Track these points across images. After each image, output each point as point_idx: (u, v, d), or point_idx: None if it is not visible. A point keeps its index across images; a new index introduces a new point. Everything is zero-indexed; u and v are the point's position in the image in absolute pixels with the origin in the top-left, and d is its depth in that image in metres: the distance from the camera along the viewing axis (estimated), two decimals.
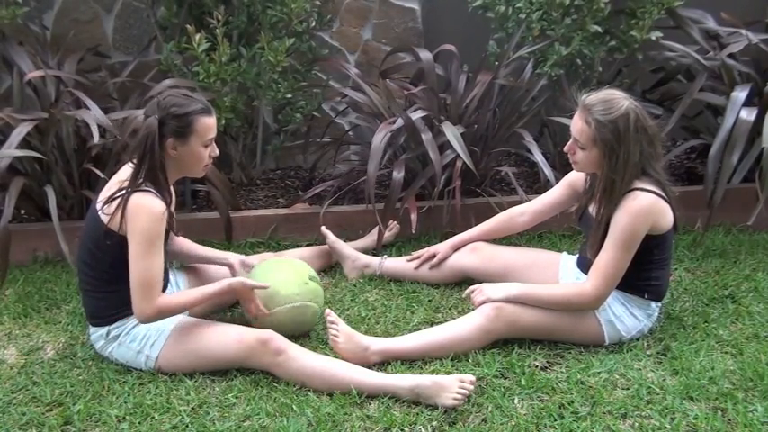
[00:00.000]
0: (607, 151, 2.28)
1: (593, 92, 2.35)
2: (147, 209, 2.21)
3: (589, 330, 2.42)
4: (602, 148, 2.29)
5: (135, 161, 2.26)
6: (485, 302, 2.40)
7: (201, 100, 2.32)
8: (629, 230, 2.29)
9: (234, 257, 2.64)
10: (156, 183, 2.27)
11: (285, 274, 2.54)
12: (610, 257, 2.32)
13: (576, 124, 2.34)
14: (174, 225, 2.38)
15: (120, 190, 2.25)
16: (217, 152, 2.39)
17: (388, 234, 3.21)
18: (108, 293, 2.33)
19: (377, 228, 3.14)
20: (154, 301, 2.23)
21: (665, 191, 2.34)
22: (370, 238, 3.18)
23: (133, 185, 2.23)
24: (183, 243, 2.65)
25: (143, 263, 2.21)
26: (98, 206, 2.29)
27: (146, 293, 2.22)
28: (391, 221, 3.23)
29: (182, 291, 2.43)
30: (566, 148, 2.42)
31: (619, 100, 2.29)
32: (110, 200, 2.25)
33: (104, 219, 2.25)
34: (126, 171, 2.33)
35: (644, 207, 2.29)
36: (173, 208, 2.44)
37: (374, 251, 3.12)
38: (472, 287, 2.49)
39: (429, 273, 2.89)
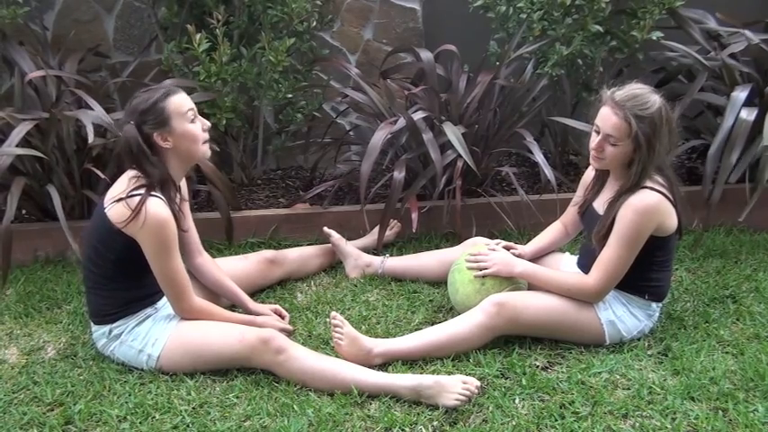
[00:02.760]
0: (645, 144, 2.26)
1: (616, 87, 2.34)
2: (161, 218, 2.22)
3: (590, 330, 2.42)
4: (637, 142, 2.27)
5: (136, 169, 2.28)
6: (487, 274, 2.47)
7: (162, 86, 2.34)
8: (634, 228, 2.29)
9: (259, 319, 2.54)
10: (163, 184, 2.28)
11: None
12: (613, 253, 2.32)
13: (610, 120, 2.30)
14: (181, 221, 2.39)
15: (132, 191, 2.25)
16: (208, 123, 2.37)
17: (388, 233, 3.22)
18: (111, 291, 2.34)
19: (378, 227, 3.15)
20: (189, 299, 2.34)
21: (672, 191, 2.34)
22: (371, 237, 3.19)
23: (146, 191, 2.24)
24: (211, 268, 2.63)
25: (166, 268, 2.28)
26: (106, 204, 2.30)
27: (178, 294, 2.32)
28: (392, 220, 3.23)
29: (216, 307, 2.46)
30: (593, 146, 2.36)
31: (650, 94, 2.30)
32: (119, 200, 2.25)
33: (112, 217, 2.25)
34: (128, 171, 2.33)
35: (650, 205, 2.29)
36: (185, 197, 2.46)
37: (375, 251, 3.13)
38: (481, 252, 2.54)
39: (431, 272, 2.89)
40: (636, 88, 2.32)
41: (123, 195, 2.24)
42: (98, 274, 2.34)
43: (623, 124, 2.27)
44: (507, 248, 2.64)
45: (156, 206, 2.23)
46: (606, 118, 2.32)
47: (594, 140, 2.36)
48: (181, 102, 2.29)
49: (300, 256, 3.01)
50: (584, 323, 2.41)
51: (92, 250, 2.34)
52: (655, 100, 2.29)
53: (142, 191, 2.24)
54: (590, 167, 2.57)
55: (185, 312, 2.35)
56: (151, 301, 2.40)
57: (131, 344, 2.35)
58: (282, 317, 2.62)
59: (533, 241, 2.75)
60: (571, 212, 2.70)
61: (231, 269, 2.72)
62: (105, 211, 2.27)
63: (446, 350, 2.38)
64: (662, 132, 2.28)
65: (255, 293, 2.84)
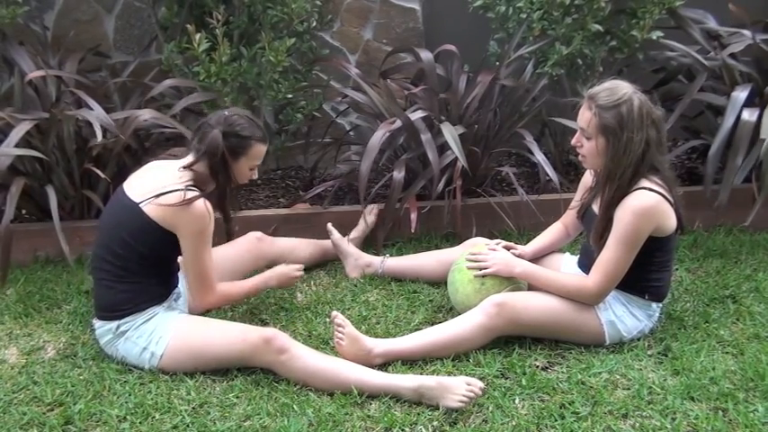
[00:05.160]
0: (610, 137, 2.28)
1: (604, 82, 2.37)
2: (206, 213, 2.32)
3: (590, 330, 2.42)
4: (605, 135, 2.29)
5: (204, 167, 2.37)
6: (487, 274, 2.47)
7: (259, 126, 2.45)
8: (632, 229, 2.29)
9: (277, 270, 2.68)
10: (219, 198, 2.41)
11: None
12: (611, 255, 2.32)
13: (583, 114, 2.35)
14: None
15: (187, 185, 2.33)
16: (256, 175, 2.53)
17: (371, 219, 3.21)
18: (130, 285, 2.35)
19: (362, 215, 3.20)
20: (214, 289, 2.43)
21: (671, 191, 2.34)
22: (360, 228, 3.20)
23: (202, 191, 2.34)
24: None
25: (203, 259, 2.37)
26: (136, 197, 2.33)
27: (206, 285, 2.41)
28: (370, 207, 3.24)
29: (235, 283, 2.58)
30: (573, 141, 2.42)
31: (622, 87, 2.31)
32: (172, 191, 2.31)
33: (150, 211, 2.30)
34: (163, 165, 2.42)
35: (648, 206, 2.28)
36: None
37: (374, 251, 3.13)
38: (481, 252, 2.55)
39: (430, 272, 2.89)
40: (610, 82, 2.35)
41: (179, 187, 2.31)
42: (119, 266, 2.35)
43: (590, 115, 2.31)
44: (507, 248, 2.64)
45: (205, 204, 2.33)
46: (581, 113, 2.37)
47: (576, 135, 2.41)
48: (260, 153, 2.45)
49: (290, 240, 3.05)
50: (584, 323, 2.41)
51: (118, 243, 2.34)
52: (626, 92, 2.28)
53: (193, 188, 2.34)
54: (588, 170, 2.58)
55: (208, 305, 2.47)
56: (161, 299, 2.42)
57: (136, 341, 2.35)
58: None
59: (534, 241, 2.75)
60: (571, 214, 2.70)
61: (223, 256, 2.73)
62: (139, 205, 2.31)
63: (446, 350, 2.38)
64: (632, 124, 2.26)
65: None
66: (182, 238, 2.33)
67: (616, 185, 2.31)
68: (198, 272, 2.38)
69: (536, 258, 2.68)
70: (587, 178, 2.60)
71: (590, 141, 2.34)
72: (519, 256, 2.61)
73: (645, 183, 2.31)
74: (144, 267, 2.35)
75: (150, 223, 2.30)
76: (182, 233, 2.32)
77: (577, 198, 2.64)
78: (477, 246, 2.69)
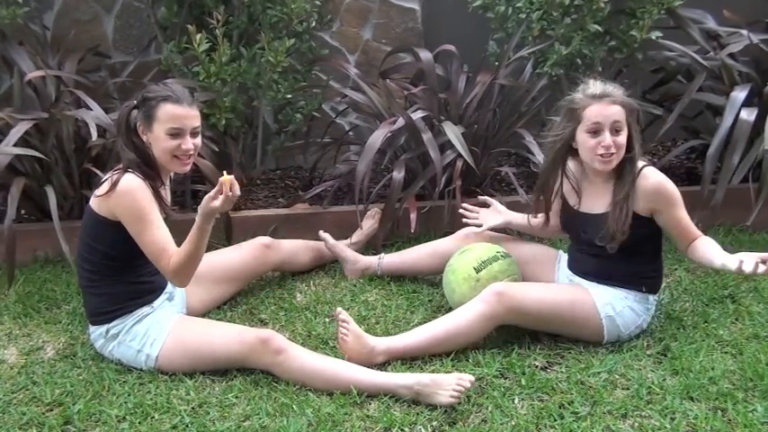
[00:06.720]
0: (635, 118, 2.41)
1: (579, 93, 2.41)
2: (130, 187, 2.22)
3: (588, 323, 2.42)
4: (634, 116, 2.41)
5: (122, 146, 2.31)
6: None
7: (176, 89, 2.30)
8: (674, 190, 2.39)
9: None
10: (141, 167, 2.28)
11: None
12: (684, 215, 2.43)
13: (608, 110, 2.35)
14: (169, 212, 2.37)
15: (110, 174, 2.28)
16: (188, 146, 2.29)
17: (371, 222, 3.21)
18: (106, 288, 2.34)
19: (365, 220, 3.19)
20: (169, 268, 2.24)
21: None
22: (362, 233, 3.19)
23: (121, 169, 2.26)
24: None
25: (144, 238, 2.23)
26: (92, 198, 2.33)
27: (160, 264, 2.25)
28: (372, 210, 3.23)
29: (188, 245, 2.23)
30: (605, 145, 2.34)
31: (603, 82, 2.45)
32: (98, 185, 2.29)
33: (94, 207, 2.28)
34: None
35: (660, 173, 2.41)
36: (168, 197, 2.44)
37: (374, 251, 3.13)
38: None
39: (428, 267, 2.89)
40: (598, 82, 2.42)
41: (109, 174, 2.27)
42: (92, 271, 2.35)
43: (620, 109, 2.37)
44: (485, 204, 2.82)
45: (127, 178, 2.23)
46: (607, 112, 2.35)
47: (605, 138, 2.34)
48: (172, 114, 2.26)
49: (294, 244, 3.01)
50: (583, 316, 2.42)
51: (84, 247, 2.35)
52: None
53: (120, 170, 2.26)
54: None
55: (173, 278, 2.26)
56: (148, 299, 2.40)
57: (130, 344, 2.35)
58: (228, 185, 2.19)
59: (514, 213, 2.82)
60: (553, 217, 2.66)
61: (226, 260, 2.72)
62: (90, 203, 2.30)
63: (448, 342, 2.38)
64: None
65: (253, 282, 2.88)
66: (124, 224, 2.24)
67: (635, 170, 2.39)
68: (150, 253, 2.24)
69: (530, 258, 2.73)
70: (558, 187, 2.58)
71: (620, 134, 2.37)
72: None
73: (640, 162, 2.42)
74: (111, 268, 2.33)
75: (99, 219, 2.27)
76: (121, 219, 2.24)
77: (554, 209, 2.62)
78: (471, 247, 2.69)
